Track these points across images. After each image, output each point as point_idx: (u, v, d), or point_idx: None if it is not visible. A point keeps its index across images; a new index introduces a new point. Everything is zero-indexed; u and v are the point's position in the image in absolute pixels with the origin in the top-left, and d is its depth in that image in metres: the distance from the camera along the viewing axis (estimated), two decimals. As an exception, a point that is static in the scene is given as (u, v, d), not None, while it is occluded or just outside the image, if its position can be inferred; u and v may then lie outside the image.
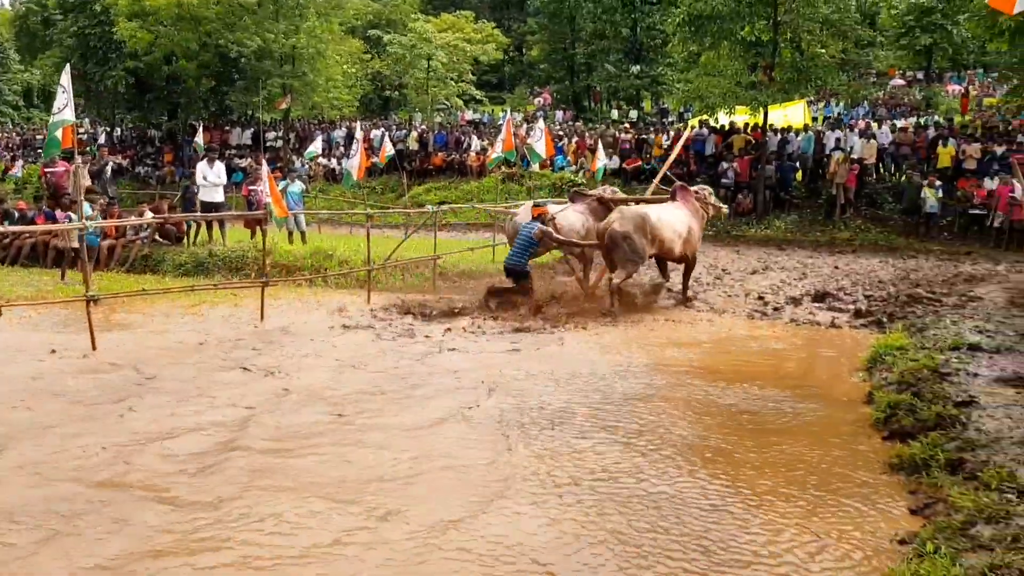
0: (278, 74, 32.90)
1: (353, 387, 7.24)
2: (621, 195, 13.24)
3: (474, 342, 9.14)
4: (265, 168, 11.38)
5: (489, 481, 5.17)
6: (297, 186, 17.49)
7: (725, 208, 13.49)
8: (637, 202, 12.53)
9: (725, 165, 23.76)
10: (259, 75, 32.98)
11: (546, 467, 5.39)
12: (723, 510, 4.85)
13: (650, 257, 11.72)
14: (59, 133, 8.95)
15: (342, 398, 6.90)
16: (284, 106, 32.63)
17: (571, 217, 12.30)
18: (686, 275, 12.45)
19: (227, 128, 36.70)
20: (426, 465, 5.41)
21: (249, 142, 34.78)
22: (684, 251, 11.98)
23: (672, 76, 33.96)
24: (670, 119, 36.47)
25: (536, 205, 12.07)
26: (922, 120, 27.62)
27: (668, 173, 14.41)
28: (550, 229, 11.44)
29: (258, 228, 13.32)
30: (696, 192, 12.63)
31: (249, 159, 31.78)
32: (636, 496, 5.01)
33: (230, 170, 26.91)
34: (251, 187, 16.30)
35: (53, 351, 8.35)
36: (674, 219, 11.77)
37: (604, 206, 12.53)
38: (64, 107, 8.83)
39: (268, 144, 33.99)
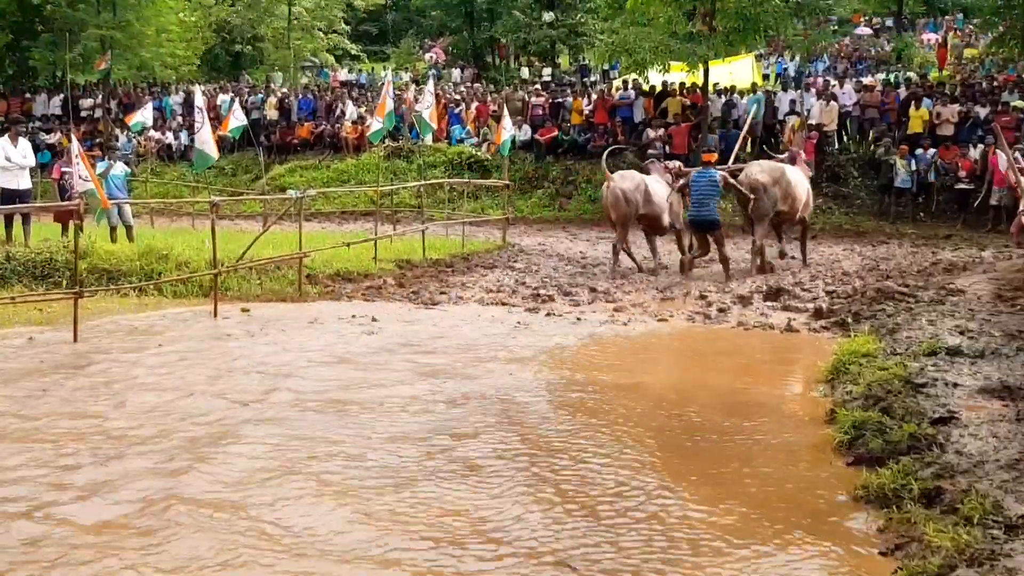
0: (95, 24, 32.00)
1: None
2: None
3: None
4: (76, 145, 10.98)
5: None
6: (120, 168, 17.06)
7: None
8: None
9: (652, 134, 24.01)
10: (70, 26, 32.00)
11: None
12: (657, 559, 4.89)
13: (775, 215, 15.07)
14: None
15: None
16: (104, 66, 31.75)
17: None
18: (804, 238, 16.63)
19: (29, 95, 35.47)
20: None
21: (58, 112, 33.67)
22: (804, 212, 15.76)
23: (594, 26, 34.41)
24: (592, 78, 36.90)
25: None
26: (892, 76, 28.61)
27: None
28: (726, 174, 14.68)
29: (72, 223, 12.86)
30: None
31: (59, 134, 30.84)
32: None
33: (35, 148, 26.11)
34: (65, 169, 15.85)
35: None
36: (801, 179, 15.48)
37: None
38: None
39: (83, 114, 33.00)
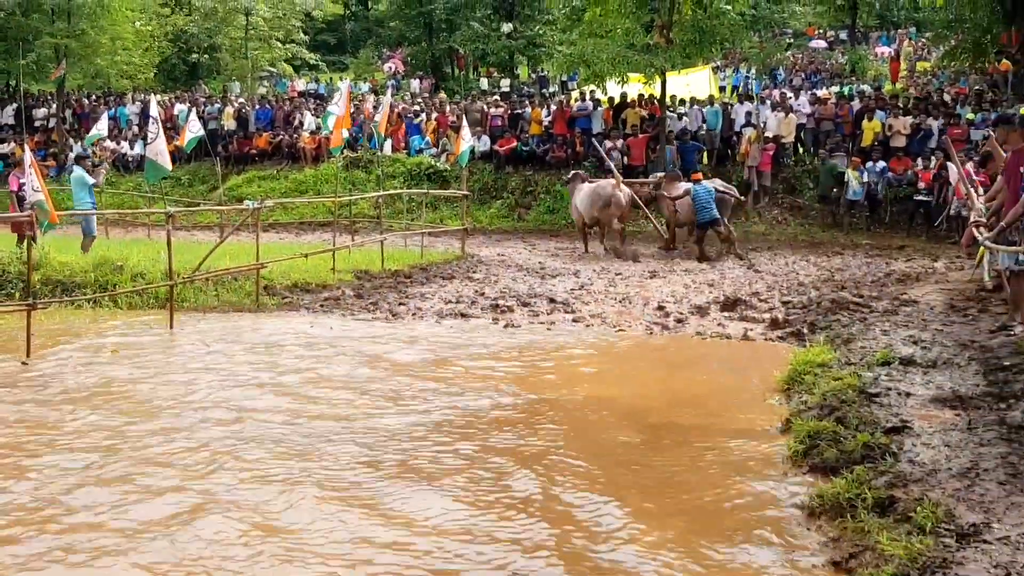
0: (49, 33, 31.62)
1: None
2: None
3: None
4: (29, 155, 10.86)
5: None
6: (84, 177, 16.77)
7: None
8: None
9: (609, 144, 24.12)
10: (24, 34, 31.60)
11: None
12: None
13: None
14: None
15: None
16: (59, 75, 31.41)
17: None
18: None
19: (-19, 104, 35.03)
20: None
21: (11, 121, 33.26)
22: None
23: (552, 37, 34.59)
24: (551, 89, 37.04)
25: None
26: (846, 89, 28.98)
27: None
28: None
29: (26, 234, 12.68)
30: None
31: (12, 144, 30.47)
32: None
33: (-14, 158, 25.81)
34: (23, 180, 15.64)
35: None
36: None
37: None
38: None
39: (37, 124, 32.64)
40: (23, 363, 9.45)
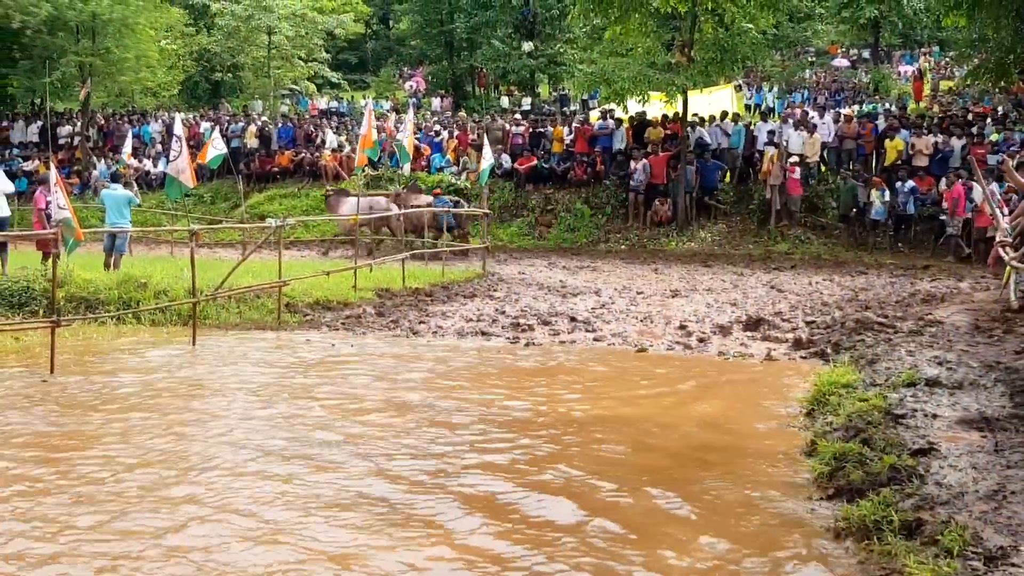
0: (74, 51, 31.90)
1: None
2: None
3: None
4: (54, 173, 10.96)
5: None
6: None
7: None
8: None
9: (634, 164, 24.22)
10: (49, 53, 31.88)
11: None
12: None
13: None
14: None
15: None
16: (85, 94, 31.67)
17: None
18: None
19: (6, 122, 35.35)
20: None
21: (36, 139, 33.56)
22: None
23: (573, 55, 34.66)
24: (572, 107, 37.11)
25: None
26: (868, 108, 28.89)
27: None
28: None
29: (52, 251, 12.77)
30: None
31: (37, 161, 30.73)
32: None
33: (12, 175, 26.00)
34: (49, 197, 15.79)
35: None
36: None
37: None
38: None
39: (62, 141, 32.90)
40: (43, 381, 9.51)
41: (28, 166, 30.87)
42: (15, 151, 32.62)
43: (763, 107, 32.94)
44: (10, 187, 16.04)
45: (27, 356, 10.93)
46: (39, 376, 9.71)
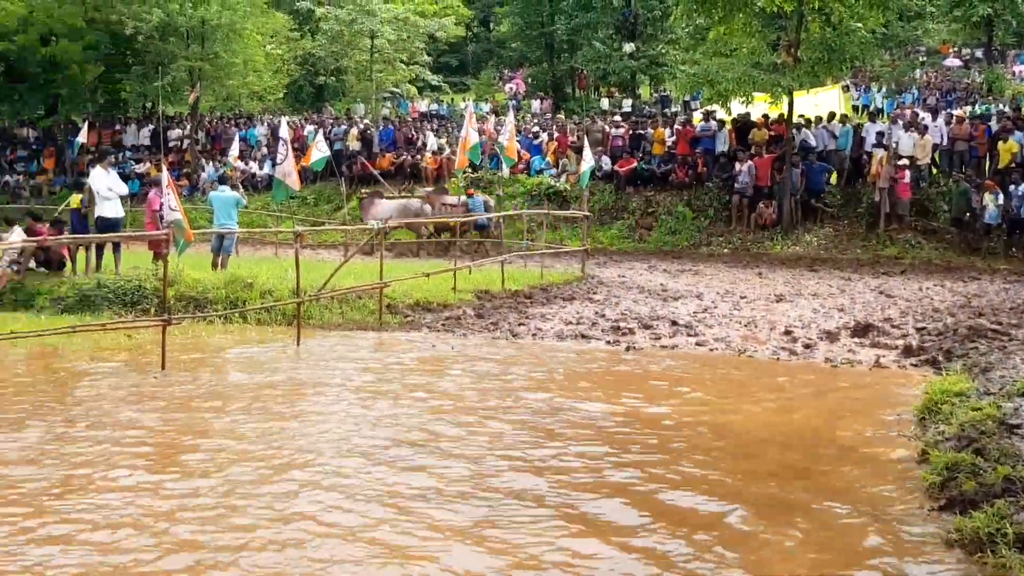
0: (184, 56, 32.85)
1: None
2: None
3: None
4: (166, 175, 11.31)
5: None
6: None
7: None
8: None
9: (740, 167, 23.98)
10: (161, 58, 32.90)
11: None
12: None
13: None
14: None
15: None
16: (195, 98, 32.59)
17: None
18: None
19: (119, 126, 36.54)
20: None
21: (147, 142, 34.64)
22: None
23: (675, 56, 34.45)
24: (673, 109, 36.85)
25: None
26: (980, 109, 28.06)
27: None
28: None
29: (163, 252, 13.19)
30: None
31: (148, 164, 31.69)
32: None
33: (125, 177, 26.87)
34: (163, 199, 16.29)
35: None
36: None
37: None
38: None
39: (171, 144, 33.86)
40: (155, 377, 9.82)
41: (140, 168, 31.84)
42: (128, 154, 33.66)
43: (871, 108, 32.24)
44: (124, 189, 16.62)
45: (139, 353, 11.31)
46: (151, 373, 10.03)
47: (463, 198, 23.75)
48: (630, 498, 6.30)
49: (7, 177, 35.01)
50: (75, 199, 16.23)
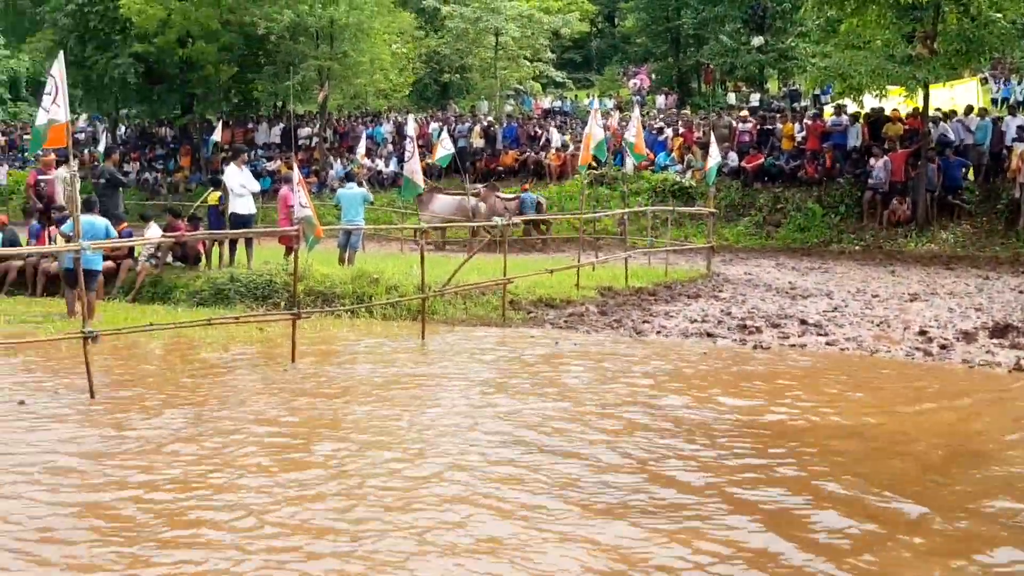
0: (313, 56, 33.59)
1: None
2: None
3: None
4: (297, 173, 11.56)
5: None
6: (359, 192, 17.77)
7: None
8: None
9: (874, 162, 23.36)
10: (291, 58, 33.72)
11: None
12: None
13: None
14: (43, 131, 9.21)
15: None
16: (324, 96, 33.30)
17: None
18: None
19: (251, 124, 37.60)
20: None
21: (278, 140, 35.56)
22: None
23: (805, 49, 33.64)
24: (802, 103, 36.06)
25: None
26: None
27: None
28: None
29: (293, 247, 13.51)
30: None
31: (279, 161, 32.55)
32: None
33: (256, 175, 27.64)
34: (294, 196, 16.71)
35: (22, 402, 8.60)
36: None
37: None
38: (55, 104, 9.10)
39: (301, 142, 34.66)
40: (284, 370, 10.07)
41: (271, 166, 32.73)
42: (259, 152, 34.63)
43: (1011, 101, 30.96)
44: (256, 186, 17.06)
45: (270, 346, 11.62)
46: (281, 365, 10.29)
47: (518, 195, 25.33)
48: (766, 498, 6.19)
49: (146, 174, 36.40)
50: (213, 196, 16.65)
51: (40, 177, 18.04)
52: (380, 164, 32.07)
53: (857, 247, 23.05)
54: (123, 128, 42.71)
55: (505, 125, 32.80)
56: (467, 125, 33.23)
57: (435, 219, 23.18)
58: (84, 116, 43.53)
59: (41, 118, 9.35)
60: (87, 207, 12.39)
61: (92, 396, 8.62)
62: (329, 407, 8.51)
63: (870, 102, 24.18)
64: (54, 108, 9.14)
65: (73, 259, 9.79)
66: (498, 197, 25.05)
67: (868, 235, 23.42)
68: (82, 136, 39.89)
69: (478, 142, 31.87)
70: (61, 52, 10.21)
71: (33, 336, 11.43)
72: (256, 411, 8.30)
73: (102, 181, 16.37)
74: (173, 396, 8.85)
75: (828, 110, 27.88)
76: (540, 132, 32.06)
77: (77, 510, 5.97)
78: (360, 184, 18.79)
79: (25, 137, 42.25)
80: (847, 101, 24.56)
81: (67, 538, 5.51)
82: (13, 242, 16.37)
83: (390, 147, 33.21)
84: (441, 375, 9.95)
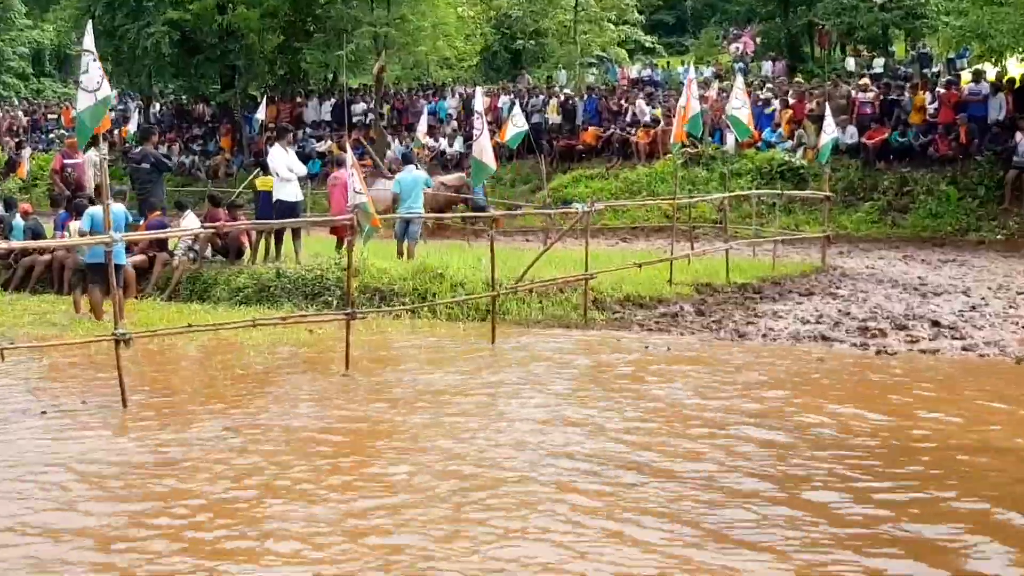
0: (368, 21, 33.70)
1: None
2: None
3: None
4: (350, 155, 11.63)
5: None
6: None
7: None
8: None
9: (1020, 137, 22.90)
10: (344, 24, 33.85)
11: None
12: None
13: None
14: (92, 117, 9.41)
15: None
16: (380, 68, 33.41)
17: None
18: None
19: (299, 100, 37.95)
20: None
21: (328, 118, 35.83)
22: None
23: (937, 6, 33.13)
24: (934, 69, 35.47)
25: None
26: None
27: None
28: None
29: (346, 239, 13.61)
30: None
31: (330, 141, 32.79)
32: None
33: (305, 157, 27.91)
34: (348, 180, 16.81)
35: (44, 412, 8.82)
36: None
37: None
38: (96, 80, 9.28)
39: (355, 120, 34.85)
40: (342, 376, 10.18)
41: (321, 147, 32.97)
42: (308, 131, 34.92)
43: None
44: (303, 170, 17.07)
45: (321, 349, 11.77)
46: (334, 372, 10.41)
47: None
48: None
49: (182, 157, 36.90)
50: (266, 181, 16.63)
51: (67, 161, 18.36)
52: (444, 144, 32.14)
53: (999, 236, 22.58)
54: (157, 106, 43.43)
55: (586, 98, 32.68)
56: (542, 99, 33.17)
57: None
58: (114, 93, 44.24)
59: (83, 101, 9.49)
60: (118, 196, 12.58)
61: (124, 405, 8.80)
62: (386, 419, 8.58)
63: (1014, 67, 23.72)
64: (104, 85, 9.33)
65: (105, 253, 9.96)
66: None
67: (1012, 222, 22.94)
68: (112, 115, 40.65)
69: (555, 118, 31.79)
70: (90, 19, 10.43)
71: (60, 339, 11.69)
72: (305, 424, 8.41)
73: (144, 166, 16.56)
74: (212, 405, 9.00)
75: (965, 76, 27.37)
76: (626, 105, 31.90)
77: (101, 535, 6.11)
78: (419, 166, 18.83)
79: (50, 116, 43.24)
80: (987, 66, 24.12)
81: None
82: (37, 233, 16.61)
83: (455, 124, 33.28)
84: (513, 383, 9.98)
